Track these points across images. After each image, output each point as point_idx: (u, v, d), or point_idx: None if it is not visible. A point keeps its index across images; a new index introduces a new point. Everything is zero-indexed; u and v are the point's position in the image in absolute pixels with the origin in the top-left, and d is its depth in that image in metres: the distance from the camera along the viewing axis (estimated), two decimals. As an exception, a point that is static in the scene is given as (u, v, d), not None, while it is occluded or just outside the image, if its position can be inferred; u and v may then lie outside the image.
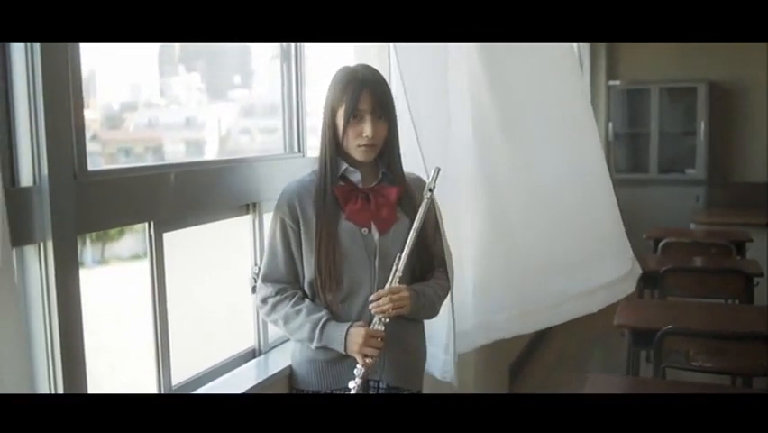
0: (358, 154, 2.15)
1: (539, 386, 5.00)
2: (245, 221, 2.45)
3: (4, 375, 1.35)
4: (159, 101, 2.17)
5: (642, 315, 3.64)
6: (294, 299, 2.18)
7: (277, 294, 2.19)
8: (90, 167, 1.77)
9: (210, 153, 2.37)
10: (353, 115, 2.10)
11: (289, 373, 2.30)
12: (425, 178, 2.26)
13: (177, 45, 2.18)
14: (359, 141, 2.12)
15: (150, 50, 2.08)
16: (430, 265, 2.27)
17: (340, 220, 2.15)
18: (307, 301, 2.18)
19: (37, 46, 1.55)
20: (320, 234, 2.13)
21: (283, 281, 2.20)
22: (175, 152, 2.24)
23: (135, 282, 2.10)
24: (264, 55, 2.55)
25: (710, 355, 3.09)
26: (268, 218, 2.47)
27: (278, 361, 2.45)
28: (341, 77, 2.15)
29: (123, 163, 2.08)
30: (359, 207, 2.15)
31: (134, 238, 2.06)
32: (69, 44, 1.67)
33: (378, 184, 2.20)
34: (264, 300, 2.21)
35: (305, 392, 2.24)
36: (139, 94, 2.12)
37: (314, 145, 2.78)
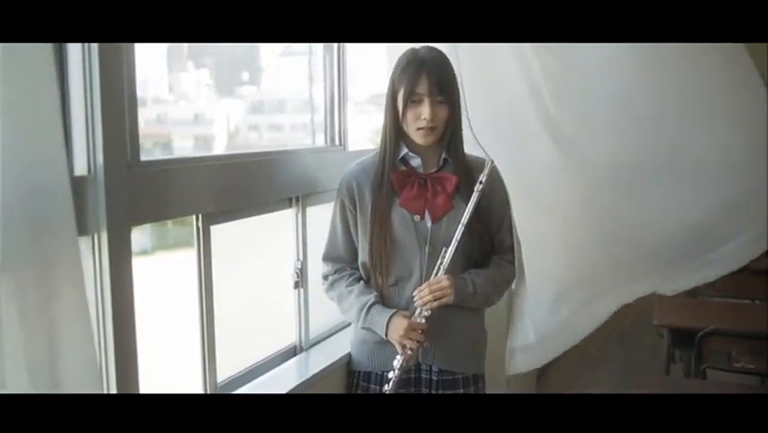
0: (417, 137, 2.13)
1: (566, 386, 4.94)
2: (288, 215, 2.40)
3: (74, 371, 1.29)
4: (167, 97, 2.16)
5: (680, 315, 3.58)
6: (349, 280, 2.23)
7: (335, 273, 2.26)
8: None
9: (219, 150, 2.35)
10: (412, 99, 2.08)
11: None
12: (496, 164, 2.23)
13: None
14: (418, 123, 2.10)
15: (159, 46, 2.06)
16: (489, 252, 2.24)
17: (394, 206, 2.16)
18: (360, 283, 2.23)
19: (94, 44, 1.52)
20: (374, 218, 2.16)
21: (342, 261, 2.26)
22: (184, 148, 2.22)
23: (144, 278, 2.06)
24: (272, 52, 2.53)
25: (754, 357, 3.02)
26: (311, 212, 2.44)
27: (319, 359, 2.40)
28: (401, 59, 2.14)
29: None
30: (414, 194, 2.15)
31: (140, 232, 2.02)
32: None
33: (438, 170, 2.18)
34: (325, 277, 2.29)
35: (359, 373, 2.29)
36: (147, 90, 2.10)
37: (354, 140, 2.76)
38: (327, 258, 2.28)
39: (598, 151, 2.74)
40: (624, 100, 2.69)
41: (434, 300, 2.10)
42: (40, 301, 1.23)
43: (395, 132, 2.15)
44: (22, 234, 1.20)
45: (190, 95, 2.25)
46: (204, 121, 2.32)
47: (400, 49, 2.87)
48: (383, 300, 2.20)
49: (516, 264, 2.29)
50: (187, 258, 2.07)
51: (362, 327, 2.21)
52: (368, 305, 2.17)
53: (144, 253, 2.00)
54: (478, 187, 2.11)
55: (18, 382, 1.20)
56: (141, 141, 1.87)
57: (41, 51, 1.23)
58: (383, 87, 3.03)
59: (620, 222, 2.79)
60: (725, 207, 2.85)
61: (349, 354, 2.35)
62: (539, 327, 2.68)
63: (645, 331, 5.58)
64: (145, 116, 2.07)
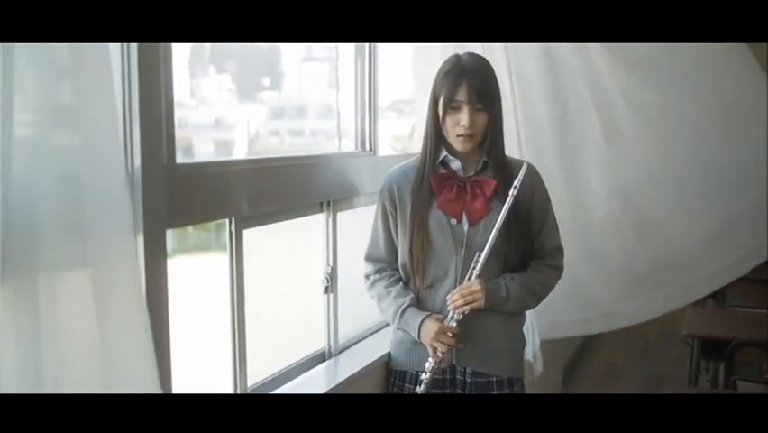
0: (457, 144, 2.15)
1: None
2: (318, 219, 2.40)
3: (131, 372, 1.28)
4: (189, 101, 2.16)
5: (709, 325, 3.54)
6: (389, 281, 2.27)
7: (376, 273, 2.30)
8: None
9: (239, 154, 2.36)
10: (451, 105, 2.10)
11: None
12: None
13: (208, 46, 2.17)
14: (456, 130, 2.12)
15: (182, 50, 2.06)
16: (527, 257, 2.24)
17: (432, 208, 2.17)
18: (400, 284, 2.26)
19: (134, 45, 1.52)
20: (413, 220, 2.18)
21: (383, 261, 2.30)
22: (204, 153, 2.24)
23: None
24: (293, 57, 2.53)
25: (785, 368, 2.98)
26: (341, 217, 2.43)
27: (348, 365, 2.40)
28: (444, 65, 2.16)
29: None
30: (453, 197, 2.17)
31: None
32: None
33: (477, 174, 2.19)
34: (366, 277, 2.33)
35: (396, 372, 2.32)
36: None
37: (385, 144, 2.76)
38: (369, 258, 2.32)
39: (629, 161, 2.77)
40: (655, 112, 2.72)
41: (465, 304, 2.11)
42: (99, 301, 1.22)
43: (435, 136, 2.17)
44: (82, 234, 1.19)
45: (211, 99, 2.26)
46: (225, 126, 2.32)
47: (427, 52, 2.90)
48: (419, 302, 2.22)
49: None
50: (208, 262, 2.07)
51: (397, 329, 2.26)
52: (403, 307, 2.20)
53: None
54: (512, 191, 2.09)
55: (79, 381, 1.19)
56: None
57: (100, 52, 1.23)
58: (405, 93, 3.05)
59: (646, 232, 2.82)
60: (738, 216, 2.86)
61: (382, 358, 2.38)
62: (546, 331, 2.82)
63: (671, 342, 5.55)
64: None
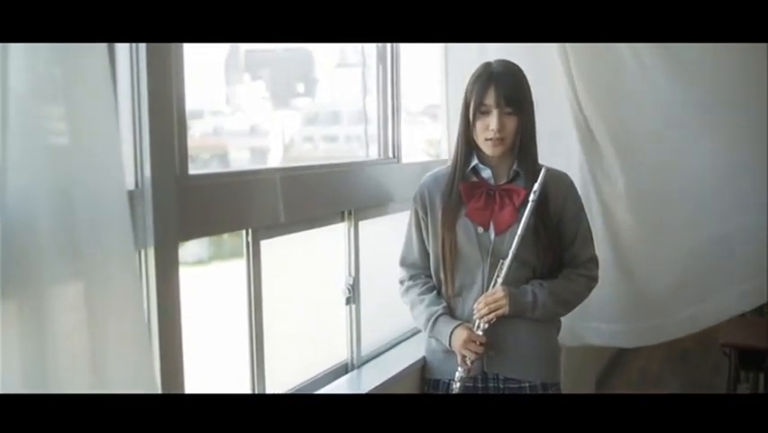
0: (486, 148, 2.15)
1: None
2: (340, 229, 2.35)
3: (130, 382, 1.25)
4: (224, 109, 2.18)
5: (748, 334, 3.44)
6: (422, 288, 2.28)
7: (410, 279, 2.32)
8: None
9: (274, 161, 2.37)
10: (480, 110, 2.12)
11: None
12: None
13: (242, 53, 2.18)
14: (486, 134, 2.13)
15: (217, 57, 2.07)
16: (557, 266, 2.23)
17: (460, 216, 2.18)
18: (432, 292, 2.27)
19: (142, 46, 1.48)
20: (442, 227, 2.19)
21: (416, 267, 2.32)
22: (240, 160, 2.25)
23: (199, 289, 2.03)
24: (327, 63, 2.52)
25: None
26: (363, 226, 2.39)
27: (372, 377, 2.35)
28: (476, 71, 2.18)
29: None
30: (481, 206, 2.18)
31: (197, 242, 1.98)
32: (173, 45, 1.59)
33: (508, 182, 2.18)
34: (401, 282, 2.35)
35: (430, 380, 2.33)
36: (204, 102, 2.10)
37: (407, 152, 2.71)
38: (403, 263, 2.34)
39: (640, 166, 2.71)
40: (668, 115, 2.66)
41: (490, 312, 2.12)
42: (96, 314, 1.19)
43: (466, 143, 2.19)
44: (80, 248, 1.16)
45: (246, 107, 2.26)
46: (259, 133, 2.33)
47: (457, 54, 2.85)
48: (450, 310, 2.23)
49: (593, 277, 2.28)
50: (241, 270, 2.04)
51: (429, 337, 2.28)
52: (435, 316, 2.22)
53: (201, 263, 1.97)
54: (532, 196, 2.10)
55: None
56: (197, 153, 1.85)
57: (97, 55, 1.19)
58: (437, 97, 3.01)
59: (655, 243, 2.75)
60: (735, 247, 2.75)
61: (406, 369, 2.37)
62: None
63: (708, 350, 5.43)
64: (202, 128, 2.08)
